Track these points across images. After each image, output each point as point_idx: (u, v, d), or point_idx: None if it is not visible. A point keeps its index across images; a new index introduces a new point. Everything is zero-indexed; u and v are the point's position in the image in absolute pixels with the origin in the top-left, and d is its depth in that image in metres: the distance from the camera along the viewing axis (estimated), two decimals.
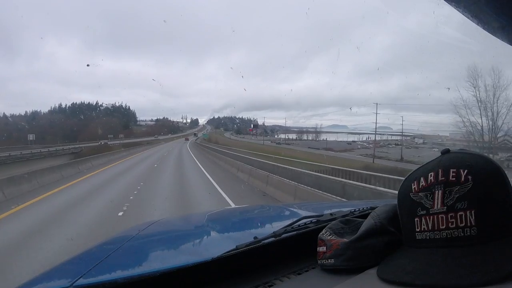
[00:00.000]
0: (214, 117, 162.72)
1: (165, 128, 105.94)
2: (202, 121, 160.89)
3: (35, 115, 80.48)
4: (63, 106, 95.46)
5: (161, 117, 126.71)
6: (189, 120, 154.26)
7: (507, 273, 0.41)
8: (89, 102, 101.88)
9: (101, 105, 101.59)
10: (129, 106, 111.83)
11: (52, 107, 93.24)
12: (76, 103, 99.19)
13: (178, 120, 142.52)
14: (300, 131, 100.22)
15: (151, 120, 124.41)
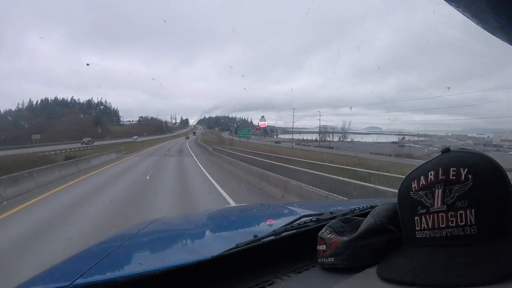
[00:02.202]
0: (205, 117, 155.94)
1: (150, 127, 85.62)
2: (192, 121, 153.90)
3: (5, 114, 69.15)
4: (33, 103, 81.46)
5: (149, 117, 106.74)
6: (178, 120, 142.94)
7: (507, 273, 0.41)
8: (63, 98, 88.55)
9: (77, 101, 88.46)
10: (109, 103, 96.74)
11: (20, 103, 79.24)
12: (48, 98, 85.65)
13: (167, 120, 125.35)
14: (324, 131, 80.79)
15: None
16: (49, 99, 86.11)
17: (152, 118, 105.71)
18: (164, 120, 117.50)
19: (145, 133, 68.82)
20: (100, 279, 0.66)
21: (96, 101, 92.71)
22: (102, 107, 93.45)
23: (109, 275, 0.68)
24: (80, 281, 0.62)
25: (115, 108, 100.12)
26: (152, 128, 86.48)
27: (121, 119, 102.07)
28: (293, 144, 51.14)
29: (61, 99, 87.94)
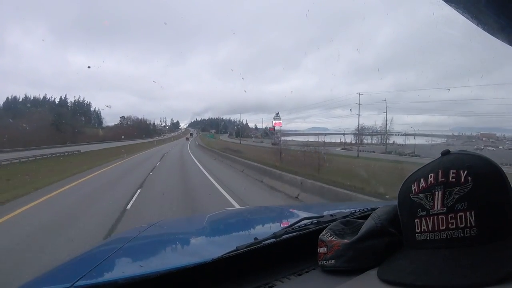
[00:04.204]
0: (196, 119, 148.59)
1: (134, 130, 67.55)
2: (183, 124, 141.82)
3: None
4: None
5: (133, 117, 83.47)
6: (169, 123, 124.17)
7: (507, 274, 0.41)
8: (34, 97, 69.43)
9: (49, 100, 69.10)
10: (89, 103, 76.53)
11: None
12: (17, 97, 66.43)
13: (156, 123, 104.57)
14: (360, 133, 56.43)
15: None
16: (20, 98, 68.36)
17: (137, 119, 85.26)
18: (152, 122, 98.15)
19: (123, 137, 52.23)
20: (101, 281, 0.66)
21: (73, 100, 75.36)
22: (88, 105, 75.92)
23: (110, 277, 0.69)
24: (81, 282, 0.62)
25: (97, 108, 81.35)
26: (136, 131, 68.98)
27: (105, 122, 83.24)
28: (357, 152, 33.12)
29: (32, 98, 70.06)
